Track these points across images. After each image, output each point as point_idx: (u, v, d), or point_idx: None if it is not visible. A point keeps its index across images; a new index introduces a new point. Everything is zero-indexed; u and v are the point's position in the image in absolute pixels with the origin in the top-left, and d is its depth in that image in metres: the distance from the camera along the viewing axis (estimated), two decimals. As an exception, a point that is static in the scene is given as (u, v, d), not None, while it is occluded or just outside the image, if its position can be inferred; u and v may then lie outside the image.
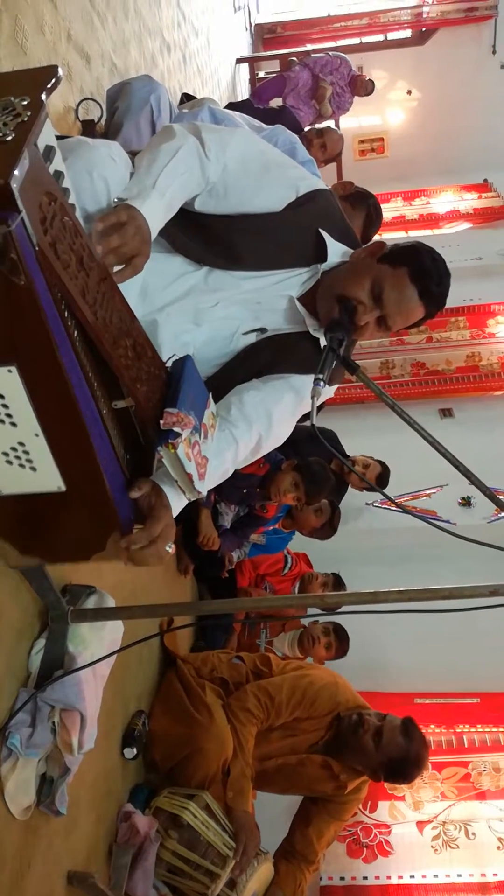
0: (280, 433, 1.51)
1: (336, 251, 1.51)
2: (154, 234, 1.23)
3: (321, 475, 3.04)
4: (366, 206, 2.75)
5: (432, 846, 2.99)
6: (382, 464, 3.73)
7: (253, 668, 2.74)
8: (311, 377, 1.43)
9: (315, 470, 3.01)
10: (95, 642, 1.68)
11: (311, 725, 2.63)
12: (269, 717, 2.54)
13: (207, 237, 1.45)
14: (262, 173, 1.45)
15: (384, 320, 1.45)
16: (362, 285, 1.41)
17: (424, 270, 1.41)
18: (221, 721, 2.42)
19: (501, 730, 3.32)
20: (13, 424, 1.05)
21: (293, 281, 1.52)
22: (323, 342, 1.48)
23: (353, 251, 1.53)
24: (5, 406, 1.04)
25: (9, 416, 1.05)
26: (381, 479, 3.66)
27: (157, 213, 1.24)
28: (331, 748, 2.61)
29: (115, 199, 1.24)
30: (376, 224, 2.84)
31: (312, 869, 2.60)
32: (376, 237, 3.16)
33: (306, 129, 4.01)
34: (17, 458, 1.10)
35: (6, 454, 1.11)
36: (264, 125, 2.81)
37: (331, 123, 6.82)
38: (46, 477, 1.12)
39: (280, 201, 1.46)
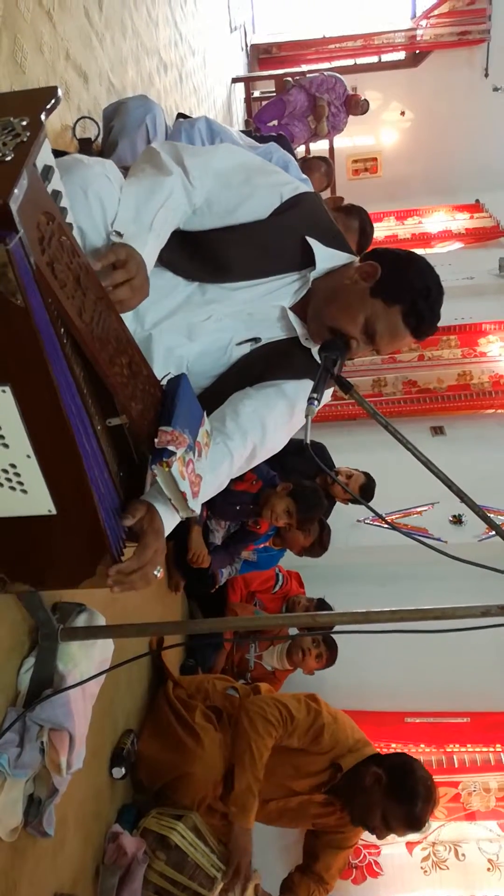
0: (275, 442, 1.50)
1: (325, 256, 1.48)
2: (149, 271, 1.26)
3: (315, 502, 3.04)
4: (358, 216, 2.76)
5: (422, 867, 2.96)
6: (367, 475, 3.61)
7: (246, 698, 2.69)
8: (302, 383, 1.47)
9: (309, 497, 3.00)
10: (85, 661, 1.67)
11: (309, 763, 2.55)
12: (285, 733, 2.46)
13: (193, 252, 1.45)
14: (244, 184, 1.44)
15: (375, 348, 1.46)
16: (355, 322, 1.41)
17: (417, 312, 1.41)
18: (210, 746, 2.40)
19: (492, 750, 3.30)
20: (5, 445, 1.04)
21: (285, 290, 1.50)
22: (314, 352, 1.48)
23: (344, 267, 1.49)
24: None
25: (1, 437, 1.03)
26: (365, 490, 3.53)
27: (152, 253, 1.29)
28: (336, 797, 2.56)
29: (113, 232, 1.25)
30: (369, 236, 2.85)
31: (323, 889, 2.59)
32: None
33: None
34: (8, 480, 1.08)
35: None
36: (258, 144, 2.84)
37: (324, 144, 6.92)
38: (37, 500, 1.10)
39: (265, 209, 1.45)
